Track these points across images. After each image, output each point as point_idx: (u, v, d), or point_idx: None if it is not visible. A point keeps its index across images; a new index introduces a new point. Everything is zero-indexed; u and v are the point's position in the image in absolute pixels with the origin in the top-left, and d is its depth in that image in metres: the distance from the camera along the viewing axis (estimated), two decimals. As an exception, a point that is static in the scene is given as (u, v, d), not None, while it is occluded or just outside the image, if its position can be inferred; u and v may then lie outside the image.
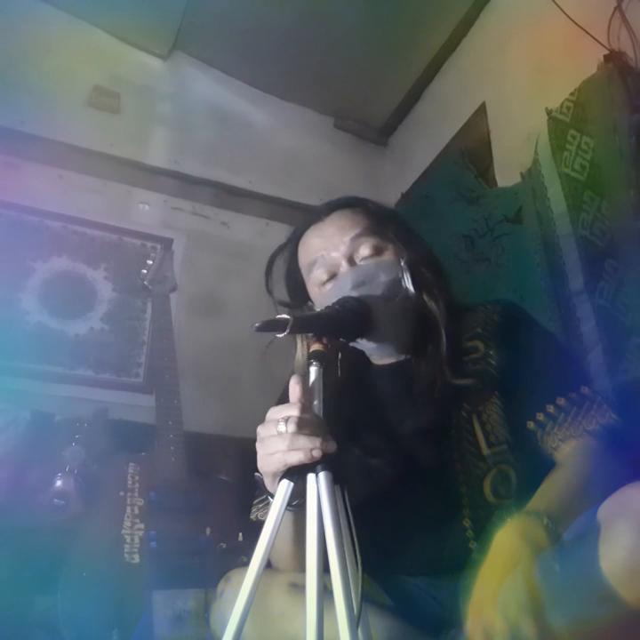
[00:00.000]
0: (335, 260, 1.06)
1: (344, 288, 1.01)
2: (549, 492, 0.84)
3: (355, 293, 0.99)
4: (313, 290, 1.11)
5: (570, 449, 0.94)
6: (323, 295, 1.07)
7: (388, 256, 1.07)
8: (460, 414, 1.01)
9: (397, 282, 1.04)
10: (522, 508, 0.79)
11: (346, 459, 0.99)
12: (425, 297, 1.05)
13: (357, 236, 1.07)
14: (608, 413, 0.95)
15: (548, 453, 0.97)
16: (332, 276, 1.07)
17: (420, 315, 1.05)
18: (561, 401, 0.96)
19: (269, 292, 1.15)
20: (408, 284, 1.04)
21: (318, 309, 1.09)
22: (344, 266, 1.05)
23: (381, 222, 1.10)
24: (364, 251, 1.06)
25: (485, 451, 0.99)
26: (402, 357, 1.09)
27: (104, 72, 2.47)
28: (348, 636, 0.63)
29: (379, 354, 1.11)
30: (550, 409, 0.97)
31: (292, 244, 1.16)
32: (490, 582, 0.70)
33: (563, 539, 0.73)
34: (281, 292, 1.17)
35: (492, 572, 0.71)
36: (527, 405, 0.99)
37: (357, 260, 1.06)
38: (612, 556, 0.72)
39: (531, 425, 0.98)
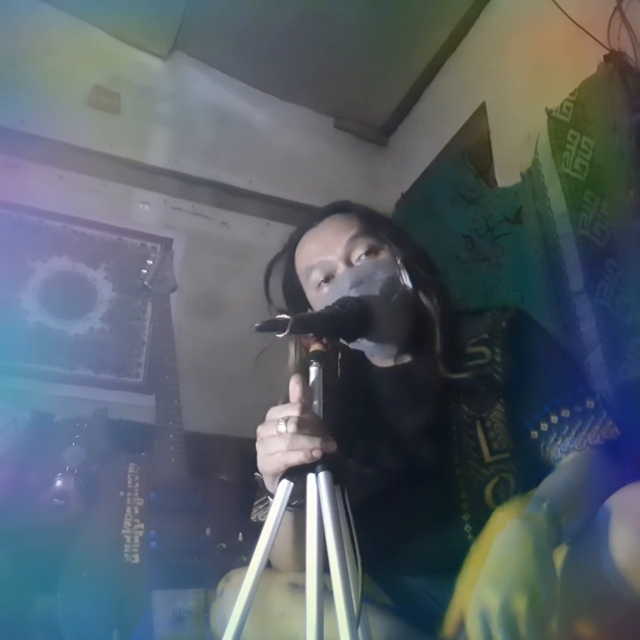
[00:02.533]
0: (332, 262, 1.07)
1: (342, 288, 1.01)
2: (550, 483, 0.85)
3: (353, 293, 0.99)
4: (311, 294, 1.11)
5: (571, 459, 0.94)
6: (321, 297, 1.07)
7: (384, 255, 1.07)
8: (463, 419, 1.01)
9: (395, 279, 1.04)
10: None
11: (346, 459, 0.99)
12: (420, 294, 1.05)
13: (353, 238, 1.07)
14: (613, 429, 0.95)
15: (551, 465, 0.97)
16: (330, 278, 1.07)
17: (417, 313, 1.05)
18: (566, 413, 0.96)
19: (269, 300, 1.16)
20: (406, 280, 1.05)
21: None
22: (341, 267, 1.06)
23: (374, 224, 1.11)
24: (361, 251, 1.07)
25: (488, 458, 0.99)
26: (401, 359, 1.09)
27: (104, 72, 2.47)
28: (348, 636, 0.63)
29: (378, 353, 1.11)
30: (554, 420, 0.96)
31: (289, 252, 1.16)
32: (483, 560, 0.70)
33: (563, 531, 0.73)
34: (280, 302, 1.17)
35: (486, 550, 0.71)
36: (531, 414, 0.99)
37: (354, 261, 1.07)
38: (614, 557, 0.72)
39: (534, 434, 0.98)
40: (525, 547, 0.69)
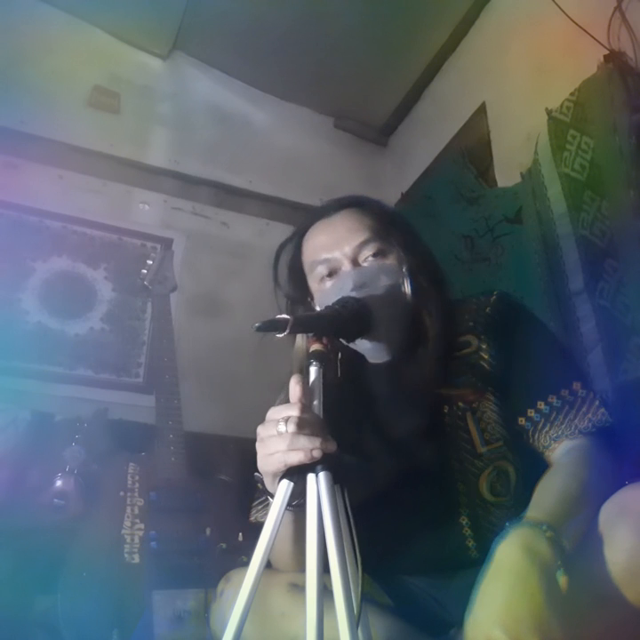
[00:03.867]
0: (338, 259, 1.07)
1: (345, 288, 1.01)
2: (548, 498, 0.83)
3: (355, 294, 0.99)
4: (313, 284, 1.11)
5: (563, 448, 0.94)
6: (322, 291, 1.08)
7: (391, 260, 1.07)
8: (454, 412, 1.01)
9: (397, 287, 1.04)
10: (520, 511, 0.79)
11: (345, 459, 0.99)
12: (421, 305, 1.05)
13: (365, 242, 1.06)
14: (601, 412, 0.95)
15: (540, 452, 0.96)
16: (334, 273, 1.07)
17: (416, 318, 1.05)
18: (553, 399, 0.96)
19: (277, 284, 1.16)
20: (408, 290, 1.04)
21: (318, 305, 1.09)
22: (346, 265, 1.06)
23: (387, 225, 1.10)
24: (369, 252, 1.06)
25: (481, 448, 0.98)
26: (398, 357, 1.09)
27: (104, 72, 2.47)
28: (348, 636, 0.63)
29: (373, 353, 1.10)
30: (541, 406, 0.96)
31: (298, 237, 1.16)
32: (492, 599, 0.68)
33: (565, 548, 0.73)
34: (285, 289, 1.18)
35: (494, 588, 0.69)
36: (521, 401, 0.98)
37: (361, 261, 1.06)
38: (614, 558, 0.72)
39: (522, 421, 0.97)
40: (526, 551, 0.69)
